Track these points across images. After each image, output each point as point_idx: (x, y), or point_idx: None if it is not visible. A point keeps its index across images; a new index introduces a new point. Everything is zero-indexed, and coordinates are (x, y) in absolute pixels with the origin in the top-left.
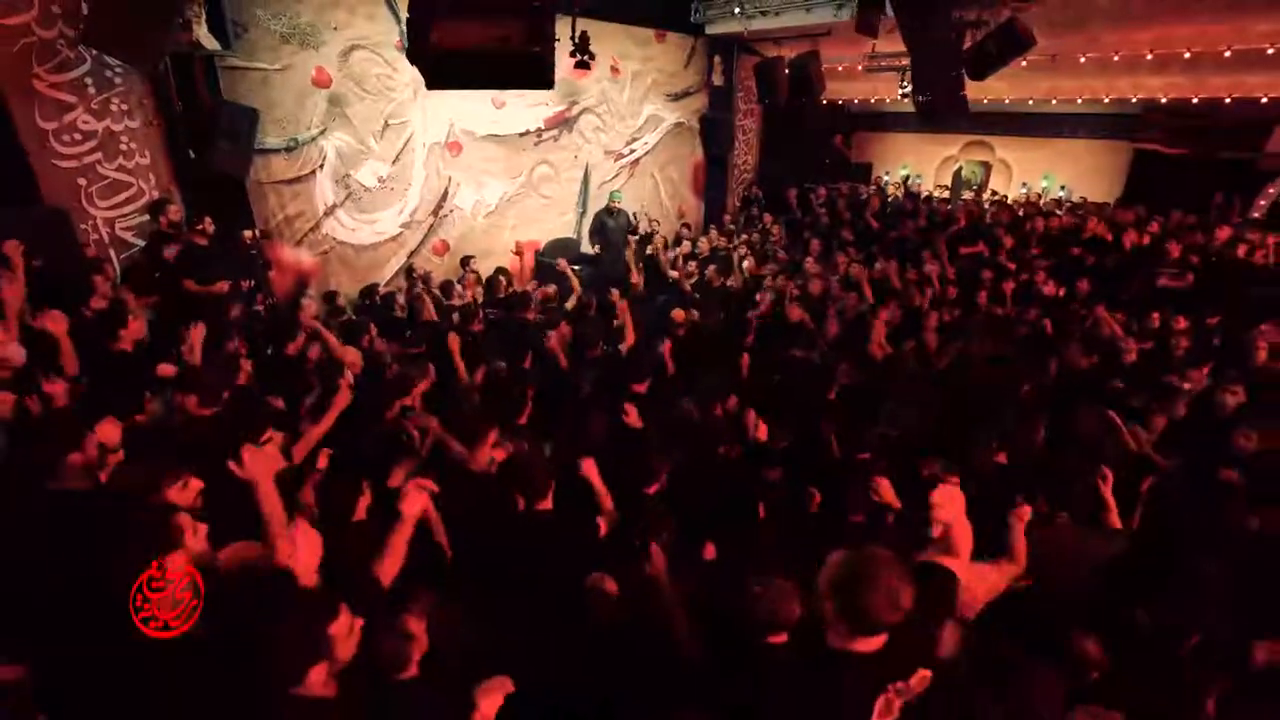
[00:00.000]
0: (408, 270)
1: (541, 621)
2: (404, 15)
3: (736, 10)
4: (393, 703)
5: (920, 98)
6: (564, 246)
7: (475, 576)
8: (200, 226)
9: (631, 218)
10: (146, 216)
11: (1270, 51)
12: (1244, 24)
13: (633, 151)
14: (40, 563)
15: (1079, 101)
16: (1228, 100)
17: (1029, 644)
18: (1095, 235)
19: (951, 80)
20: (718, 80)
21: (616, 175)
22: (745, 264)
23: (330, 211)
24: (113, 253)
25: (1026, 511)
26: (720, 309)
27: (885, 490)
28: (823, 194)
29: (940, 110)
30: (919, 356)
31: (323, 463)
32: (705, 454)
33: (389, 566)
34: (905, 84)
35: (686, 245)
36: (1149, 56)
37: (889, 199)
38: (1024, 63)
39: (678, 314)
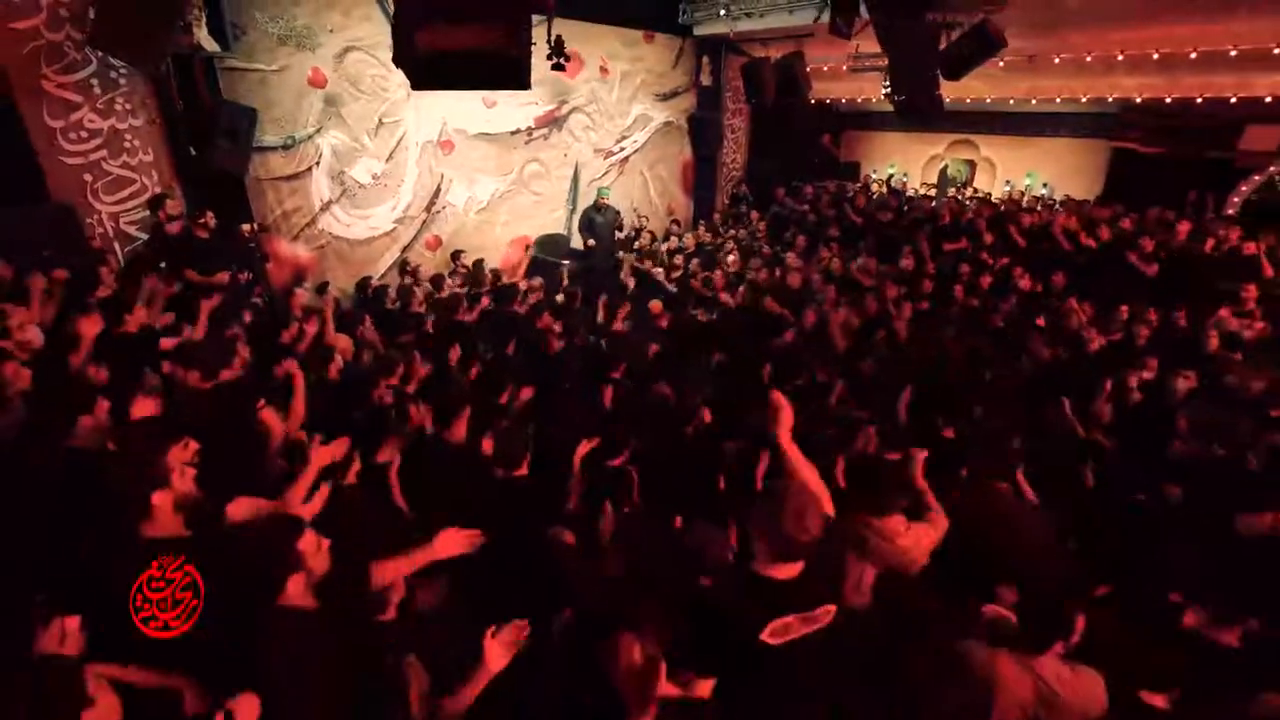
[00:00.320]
0: (401, 264)
1: (511, 571)
2: None
3: (722, 12)
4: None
5: (897, 97)
6: (554, 242)
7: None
8: (201, 220)
9: (619, 214)
10: (149, 211)
11: (1233, 53)
12: (1207, 26)
13: (622, 150)
14: (57, 509)
15: (1058, 101)
16: (1199, 100)
17: (956, 599)
18: (1066, 230)
19: (926, 80)
20: (706, 80)
21: (606, 173)
22: (730, 259)
23: (326, 207)
24: (117, 246)
25: (921, 455)
26: (697, 301)
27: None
28: (808, 191)
29: (916, 109)
30: (890, 345)
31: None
32: (674, 433)
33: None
34: (888, 84)
35: (674, 241)
36: (1120, 57)
37: (873, 196)
38: (1001, 63)
39: (654, 305)
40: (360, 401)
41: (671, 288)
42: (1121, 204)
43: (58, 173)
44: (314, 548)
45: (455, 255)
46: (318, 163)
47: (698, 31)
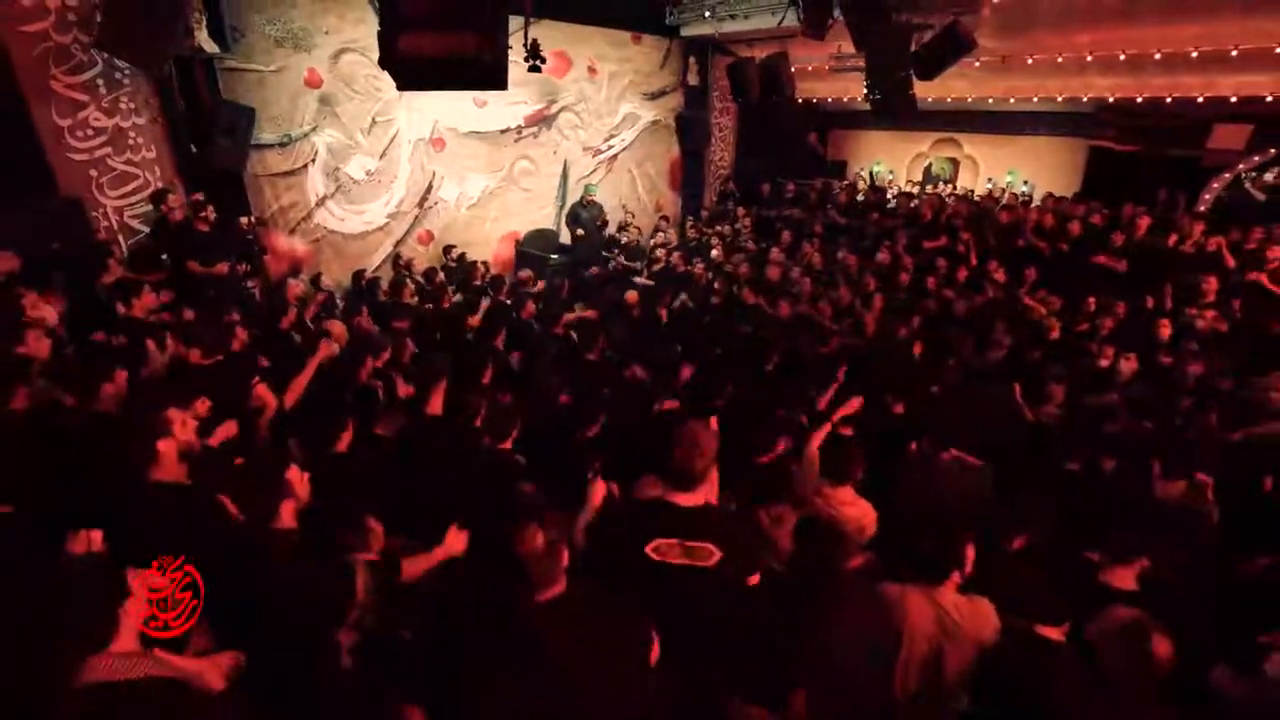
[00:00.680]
0: (394, 258)
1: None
2: None
3: (707, 14)
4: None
5: (874, 96)
6: (544, 237)
7: (431, 501)
8: (202, 214)
9: (604, 211)
10: (152, 206)
11: (1194, 55)
12: (1166, 29)
13: (610, 148)
14: (79, 462)
15: (1034, 101)
16: (1168, 100)
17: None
18: (1040, 226)
19: (900, 81)
20: (693, 80)
21: (594, 170)
22: (714, 253)
23: (321, 202)
24: (121, 238)
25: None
26: (674, 292)
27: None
28: (791, 189)
29: (891, 109)
30: (856, 332)
31: None
32: (644, 409)
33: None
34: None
35: (661, 236)
36: (1089, 59)
37: (857, 194)
38: (977, 63)
39: (630, 296)
40: (350, 379)
41: (648, 281)
42: (1099, 200)
43: (65, 169)
44: (298, 478)
45: (447, 250)
46: (313, 160)
47: (684, 32)
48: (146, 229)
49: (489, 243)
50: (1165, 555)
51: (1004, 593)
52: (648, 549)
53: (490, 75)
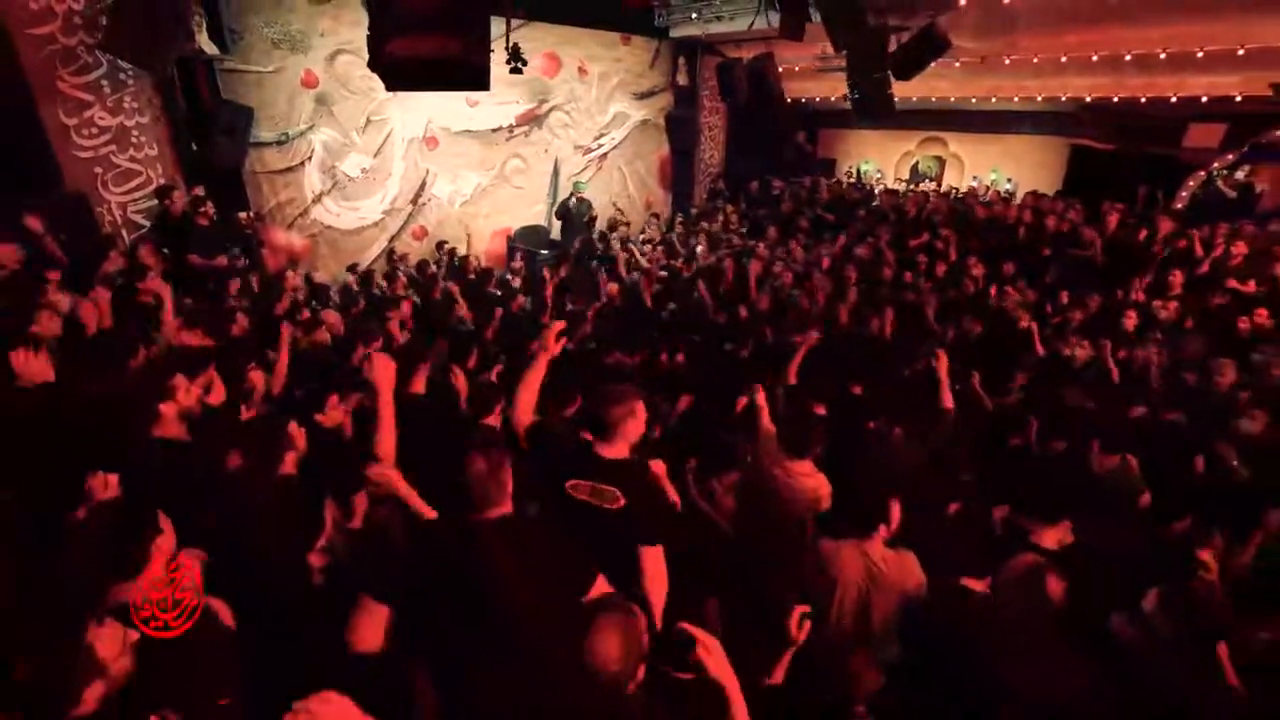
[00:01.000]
0: (389, 253)
1: None
2: None
3: (694, 15)
4: None
5: (854, 96)
6: (535, 233)
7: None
8: (202, 209)
9: (592, 207)
10: (155, 201)
11: (1163, 56)
12: (1140, 31)
13: (600, 146)
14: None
15: (1015, 100)
16: (1143, 100)
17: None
18: (1021, 221)
19: (877, 81)
20: (682, 80)
21: (585, 168)
22: (699, 249)
23: (318, 199)
24: (124, 232)
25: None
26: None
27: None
28: (778, 186)
29: (871, 108)
30: (829, 321)
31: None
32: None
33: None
34: None
35: (649, 232)
36: (1064, 59)
37: (841, 191)
38: (957, 64)
39: (611, 288)
40: (342, 361)
41: (634, 274)
42: (1080, 198)
43: (71, 166)
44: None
45: (440, 245)
46: (310, 157)
47: (673, 34)
48: (148, 224)
49: (482, 239)
50: (1094, 521)
51: (937, 551)
52: (567, 486)
53: (474, 77)
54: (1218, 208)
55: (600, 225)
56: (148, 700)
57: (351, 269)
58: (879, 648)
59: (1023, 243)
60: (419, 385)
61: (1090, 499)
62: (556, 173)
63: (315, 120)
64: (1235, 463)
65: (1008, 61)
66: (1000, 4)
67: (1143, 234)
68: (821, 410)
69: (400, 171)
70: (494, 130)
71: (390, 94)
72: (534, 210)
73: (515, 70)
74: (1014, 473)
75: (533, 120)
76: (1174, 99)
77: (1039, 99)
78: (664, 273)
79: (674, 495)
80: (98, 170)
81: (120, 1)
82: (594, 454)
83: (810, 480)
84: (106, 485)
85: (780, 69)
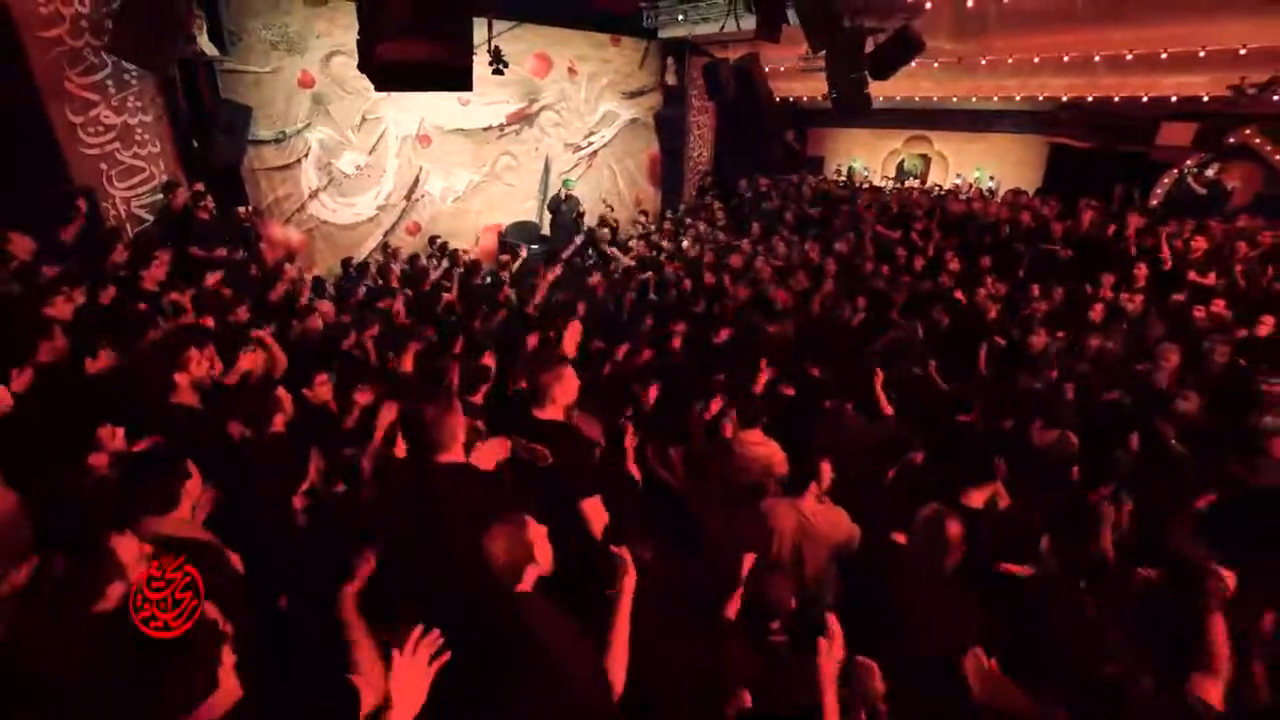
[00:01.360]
0: (383, 247)
1: None
2: None
3: (681, 16)
4: None
5: (833, 95)
6: (526, 229)
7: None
8: (202, 204)
9: (580, 203)
10: (159, 196)
11: (1129, 57)
12: (1106, 33)
13: (590, 145)
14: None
15: (995, 100)
16: (1116, 99)
17: None
18: (999, 218)
19: (854, 80)
20: (671, 80)
21: (575, 166)
22: (685, 244)
23: (314, 195)
24: (128, 226)
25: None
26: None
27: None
28: (764, 184)
29: (849, 107)
30: (803, 311)
31: None
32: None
33: None
34: None
35: (637, 228)
36: (1035, 60)
37: (825, 187)
38: (936, 64)
39: (595, 279)
40: (337, 348)
41: (629, 262)
42: (1059, 195)
43: (78, 162)
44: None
45: (432, 240)
46: (306, 155)
47: (661, 34)
48: (151, 218)
49: (474, 234)
50: (1026, 487)
51: (879, 511)
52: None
53: (457, 77)
54: (1189, 204)
55: (589, 222)
56: None
57: (346, 263)
58: (817, 591)
59: (1001, 238)
60: (408, 364)
61: (1026, 469)
62: (547, 170)
63: (312, 119)
64: (1173, 440)
65: (984, 62)
66: (969, 7)
67: (1111, 230)
68: (790, 391)
69: (394, 168)
70: (486, 129)
71: (384, 94)
72: (525, 206)
73: (497, 72)
74: (959, 446)
75: (524, 119)
76: (1145, 99)
77: (1018, 98)
78: (647, 272)
79: (632, 466)
80: (103, 166)
81: (125, 5)
82: (529, 415)
83: (762, 449)
84: (114, 436)
85: (767, 69)
